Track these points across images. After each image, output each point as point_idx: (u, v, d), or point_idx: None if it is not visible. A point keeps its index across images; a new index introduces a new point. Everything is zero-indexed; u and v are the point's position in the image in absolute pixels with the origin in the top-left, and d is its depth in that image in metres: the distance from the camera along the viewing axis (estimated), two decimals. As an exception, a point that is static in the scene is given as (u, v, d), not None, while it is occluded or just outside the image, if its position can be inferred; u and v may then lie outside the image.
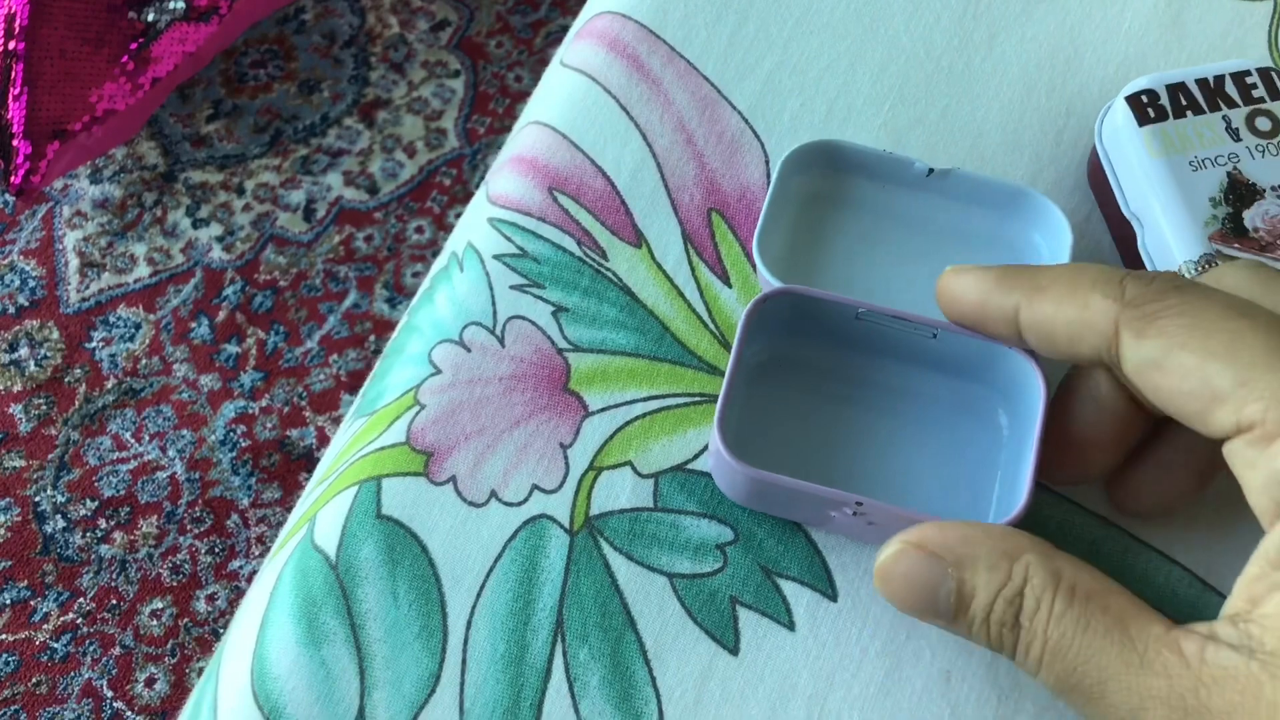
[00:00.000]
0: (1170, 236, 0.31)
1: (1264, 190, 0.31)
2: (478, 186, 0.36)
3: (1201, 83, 0.32)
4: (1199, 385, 0.21)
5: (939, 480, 0.31)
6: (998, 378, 0.31)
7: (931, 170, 0.33)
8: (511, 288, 0.34)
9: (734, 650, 0.30)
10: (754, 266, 0.34)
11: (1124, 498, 0.29)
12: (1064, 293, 0.24)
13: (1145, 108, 0.32)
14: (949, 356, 0.31)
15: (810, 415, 0.32)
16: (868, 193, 0.34)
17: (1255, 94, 0.32)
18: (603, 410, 0.32)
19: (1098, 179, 0.34)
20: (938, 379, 0.32)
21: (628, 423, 0.32)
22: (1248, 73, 0.32)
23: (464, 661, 0.30)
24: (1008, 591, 0.23)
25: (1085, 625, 0.22)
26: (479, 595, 0.30)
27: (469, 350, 0.33)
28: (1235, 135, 0.31)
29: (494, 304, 0.34)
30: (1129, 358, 0.23)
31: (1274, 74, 0.32)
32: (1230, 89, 0.32)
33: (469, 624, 0.30)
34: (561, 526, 0.31)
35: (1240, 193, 0.31)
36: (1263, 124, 0.32)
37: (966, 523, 0.25)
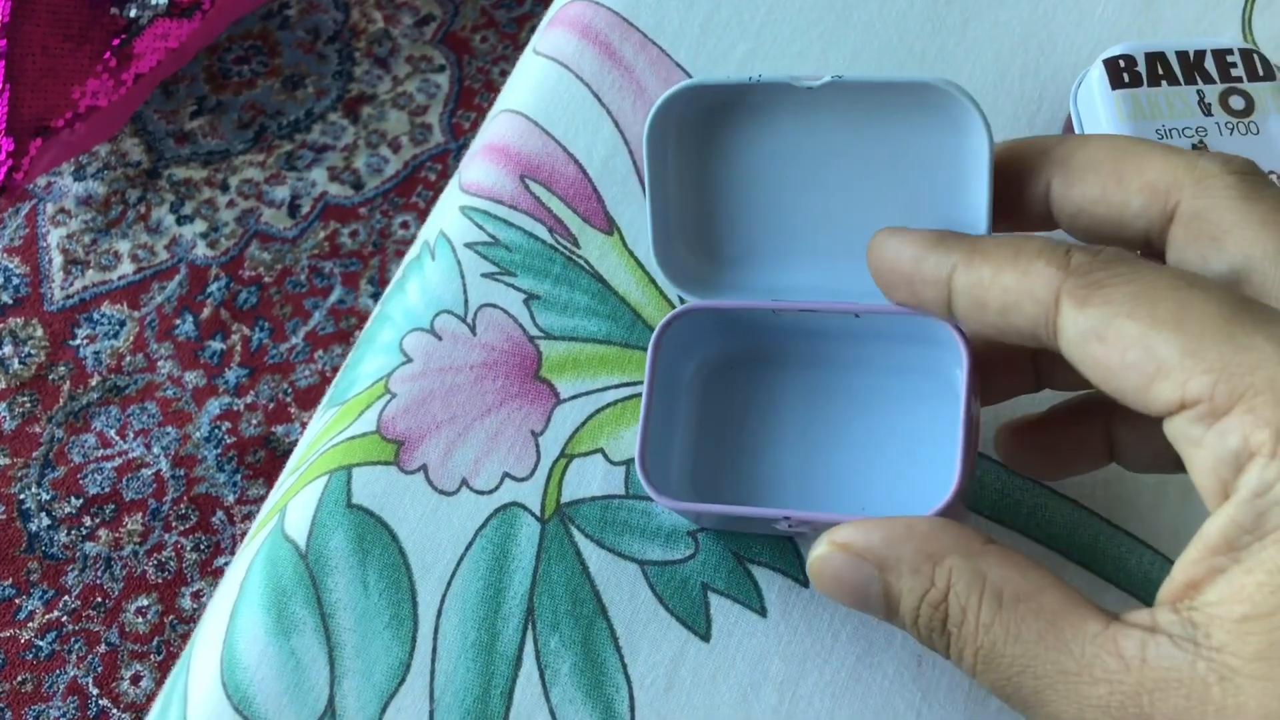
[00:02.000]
0: None
1: None
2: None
3: (1181, 55, 0.32)
4: (1142, 356, 0.20)
5: (898, 451, 0.30)
6: (936, 336, 0.28)
7: (810, 87, 0.27)
8: (483, 276, 0.34)
9: (705, 637, 0.30)
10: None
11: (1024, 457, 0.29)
12: (1005, 257, 0.23)
13: (1121, 72, 0.32)
14: (882, 326, 0.29)
15: (750, 420, 0.30)
16: (755, 139, 0.29)
17: (1234, 73, 0.32)
18: (574, 398, 0.32)
19: None
20: (876, 347, 0.30)
21: (599, 410, 0.32)
22: (1229, 51, 0.32)
23: (434, 650, 0.30)
24: (932, 597, 0.22)
25: (1016, 635, 0.21)
26: (449, 584, 0.30)
27: (440, 338, 0.33)
28: (1207, 110, 0.31)
29: (465, 292, 0.34)
30: (1068, 329, 0.21)
31: (1256, 55, 0.32)
32: (1209, 65, 0.32)
33: (439, 612, 0.30)
34: (532, 514, 0.31)
35: None
36: (1236, 103, 0.31)
37: (892, 520, 0.23)
